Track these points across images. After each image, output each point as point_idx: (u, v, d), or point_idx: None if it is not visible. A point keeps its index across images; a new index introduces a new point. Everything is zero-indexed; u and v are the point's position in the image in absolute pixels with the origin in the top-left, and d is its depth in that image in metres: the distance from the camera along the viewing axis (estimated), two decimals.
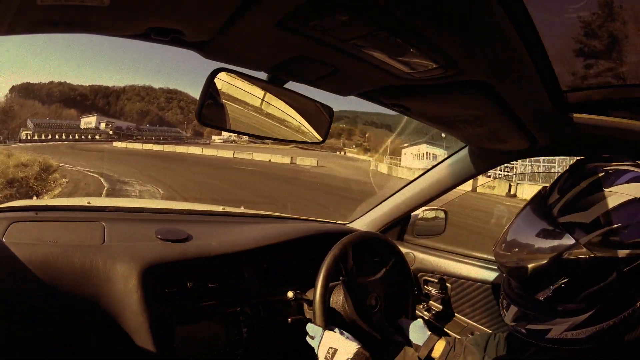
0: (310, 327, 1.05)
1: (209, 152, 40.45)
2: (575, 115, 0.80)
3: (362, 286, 1.17)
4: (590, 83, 0.76)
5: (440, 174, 1.36)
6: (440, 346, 1.06)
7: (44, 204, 1.21)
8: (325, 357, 0.97)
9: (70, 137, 62.13)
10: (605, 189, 0.63)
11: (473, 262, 1.40)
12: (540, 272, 0.66)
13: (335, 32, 0.54)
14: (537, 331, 0.69)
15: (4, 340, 0.93)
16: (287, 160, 33.91)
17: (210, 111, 0.69)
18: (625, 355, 0.67)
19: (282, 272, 1.27)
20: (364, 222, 1.57)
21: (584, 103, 0.79)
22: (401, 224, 1.56)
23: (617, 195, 0.62)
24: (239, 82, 0.70)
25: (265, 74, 0.73)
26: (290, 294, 1.15)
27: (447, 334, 1.40)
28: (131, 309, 0.98)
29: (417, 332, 1.12)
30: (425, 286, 1.48)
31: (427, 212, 1.55)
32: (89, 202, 1.30)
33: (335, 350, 0.97)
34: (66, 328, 0.97)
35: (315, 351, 1.02)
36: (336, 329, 1.01)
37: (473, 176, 1.31)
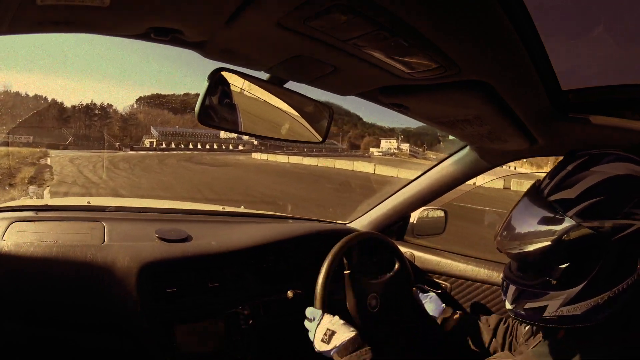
0: (309, 310, 1.06)
1: (385, 171, 25.46)
2: (575, 115, 0.80)
3: (363, 285, 1.17)
4: (591, 83, 0.76)
5: (440, 174, 1.36)
6: (454, 319, 1.15)
7: (44, 203, 1.21)
8: (322, 339, 0.98)
9: (208, 146, 54.57)
10: (589, 169, 0.69)
11: (473, 261, 1.40)
12: (532, 248, 0.70)
13: (335, 32, 0.54)
14: (535, 310, 0.72)
15: (4, 340, 0.93)
16: (499, 184, 18.46)
17: (210, 111, 0.69)
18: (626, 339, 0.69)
19: (282, 272, 1.27)
20: (364, 222, 1.57)
21: (584, 103, 0.79)
22: (401, 223, 1.56)
23: (599, 173, 0.68)
24: (239, 82, 0.71)
25: (265, 74, 0.73)
26: (290, 294, 1.15)
27: None
28: (131, 308, 0.98)
29: (433, 303, 1.21)
30: (425, 285, 1.48)
31: (427, 211, 1.55)
32: (88, 202, 1.30)
33: (333, 332, 0.98)
34: (66, 328, 0.97)
35: (311, 333, 1.02)
36: (336, 315, 1.03)
37: (473, 176, 1.31)
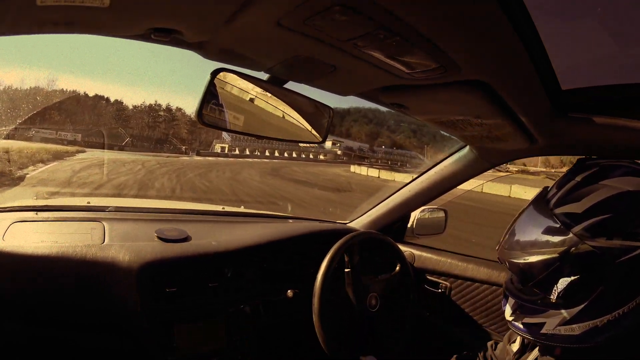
0: None
1: None
2: (574, 115, 0.80)
3: (363, 285, 1.17)
4: (590, 83, 0.76)
5: (440, 174, 1.36)
6: None
7: (44, 204, 1.21)
8: None
9: (286, 154, 46.52)
10: (598, 182, 0.66)
11: (473, 261, 1.40)
12: (533, 260, 0.68)
13: (335, 32, 0.54)
14: (532, 325, 0.70)
15: (4, 340, 0.93)
16: None
17: (211, 111, 0.69)
18: None
19: (282, 271, 1.27)
20: (364, 222, 1.57)
21: (583, 103, 0.78)
22: (401, 223, 1.56)
23: (608, 187, 0.65)
24: (239, 82, 0.71)
25: (265, 74, 0.73)
26: (290, 293, 1.15)
27: (447, 333, 1.40)
28: (131, 308, 0.98)
29: None
30: (425, 285, 1.48)
31: (427, 211, 1.55)
32: (88, 202, 1.30)
33: None
34: (66, 328, 0.97)
35: None
36: None
37: (473, 176, 1.31)
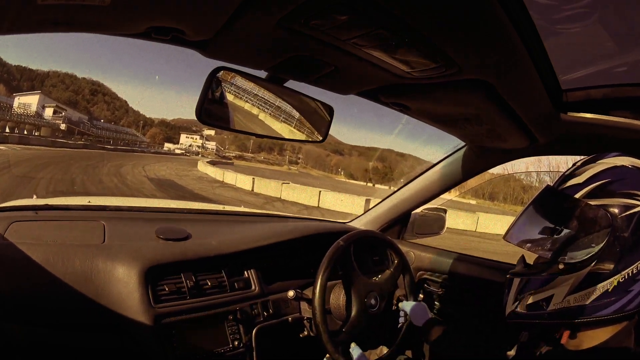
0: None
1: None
2: (574, 114, 0.80)
3: (362, 285, 1.17)
4: (590, 82, 0.76)
5: (440, 173, 1.36)
6: (438, 331, 1.09)
7: (44, 203, 1.21)
8: None
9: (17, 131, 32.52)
10: (596, 162, 0.72)
11: (472, 260, 1.40)
12: (542, 230, 0.72)
13: (335, 32, 0.54)
14: (539, 304, 0.70)
15: (4, 340, 0.93)
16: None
17: (210, 110, 0.69)
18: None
19: (282, 271, 1.27)
20: (364, 221, 1.57)
21: (583, 102, 0.79)
22: (401, 222, 1.57)
23: (604, 163, 0.71)
24: (239, 81, 0.71)
25: (266, 73, 0.73)
26: (290, 293, 1.15)
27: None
28: (131, 308, 0.98)
29: (418, 313, 1.14)
30: (424, 285, 1.48)
31: (427, 211, 1.55)
32: (89, 202, 1.30)
33: None
34: (66, 328, 0.97)
35: None
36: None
37: (472, 175, 1.31)
